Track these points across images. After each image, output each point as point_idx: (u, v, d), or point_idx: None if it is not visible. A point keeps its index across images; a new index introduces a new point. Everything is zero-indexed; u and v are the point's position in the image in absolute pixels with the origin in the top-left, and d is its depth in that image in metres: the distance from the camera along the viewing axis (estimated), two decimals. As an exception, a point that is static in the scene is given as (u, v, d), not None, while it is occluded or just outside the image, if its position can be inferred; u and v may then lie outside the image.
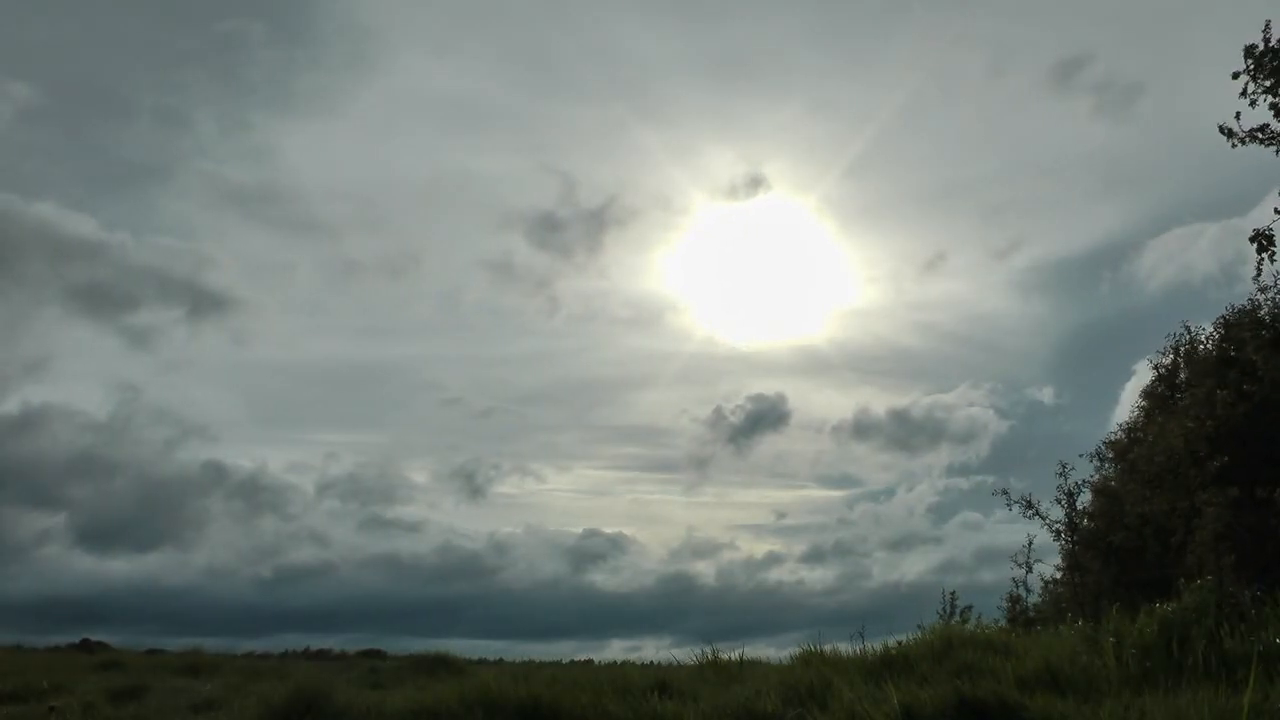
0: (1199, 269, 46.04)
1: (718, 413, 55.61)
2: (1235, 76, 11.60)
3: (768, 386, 66.83)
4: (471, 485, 54.08)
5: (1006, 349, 64.95)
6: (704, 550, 52.07)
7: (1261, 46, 11.42)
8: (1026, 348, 65.08)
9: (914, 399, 58.17)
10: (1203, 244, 46.99)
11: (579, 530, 50.43)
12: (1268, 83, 11.32)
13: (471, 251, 71.31)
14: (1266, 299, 15.97)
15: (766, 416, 54.74)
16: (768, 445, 57.85)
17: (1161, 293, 50.19)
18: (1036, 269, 64.21)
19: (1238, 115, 11.67)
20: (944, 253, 65.69)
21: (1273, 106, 11.35)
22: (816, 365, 61.68)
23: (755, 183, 63.23)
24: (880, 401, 62.48)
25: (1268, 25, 11.48)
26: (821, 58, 67.22)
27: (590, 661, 18.18)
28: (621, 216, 66.24)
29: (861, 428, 55.86)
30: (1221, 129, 11.80)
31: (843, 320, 67.95)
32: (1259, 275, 12.28)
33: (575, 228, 64.42)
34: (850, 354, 66.85)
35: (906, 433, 54.99)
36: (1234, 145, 11.74)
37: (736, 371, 65.72)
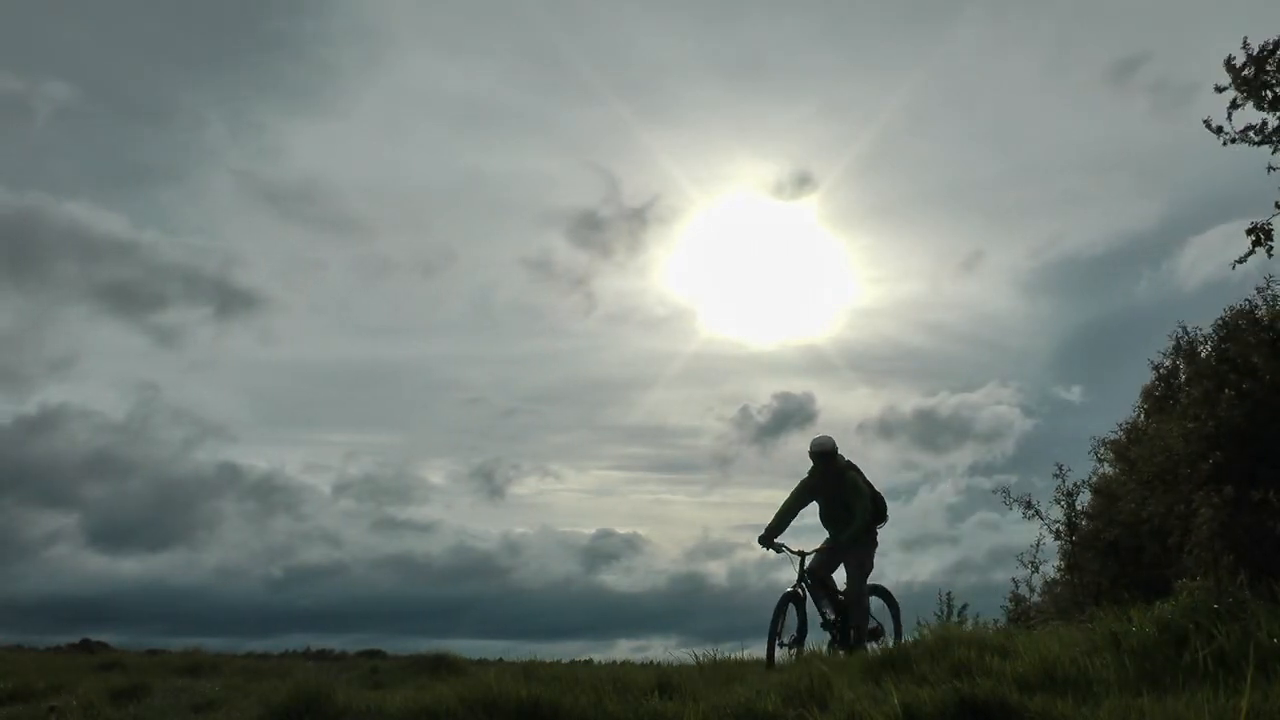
0: (1238, 267, 45.28)
1: (744, 412, 55.61)
2: (1220, 91, 11.46)
3: (795, 386, 66.34)
4: (490, 485, 54.03)
5: (1034, 348, 64.75)
6: (718, 550, 51.88)
7: (1241, 59, 11.24)
8: (1054, 346, 64.85)
9: (941, 398, 57.53)
10: (1242, 241, 46.28)
11: (592, 530, 50.39)
12: (1253, 89, 11.21)
13: (508, 250, 71.17)
14: (1264, 299, 15.99)
15: (794, 416, 54.38)
16: (794, 445, 57.50)
17: (1199, 290, 48.96)
18: (1072, 266, 63.77)
19: (1229, 115, 11.51)
20: (981, 251, 65.15)
21: (1273, 96, 11.17)
22: (841, 365, 61.31)
23: (802, 181, 62.86)
24: (907, 400, 62.13)
25: (1245, 41, 11.32)
26: (848, 57, 67.19)
27: (590, 661, 18.15)
28: (664, 215, 66.14)
29: (887, 426, 55.30)
30: (1208, 125, 11.60)
31: (870, 320, 67.49)
32: (1242, 262, 12.10)
33: (615, 227, 64.28)
34: (876, 353, 66.65)
35: (932, 432, 54.41)
36: (1225, 144, 11.62)
37: (762, 371, 65.39)
